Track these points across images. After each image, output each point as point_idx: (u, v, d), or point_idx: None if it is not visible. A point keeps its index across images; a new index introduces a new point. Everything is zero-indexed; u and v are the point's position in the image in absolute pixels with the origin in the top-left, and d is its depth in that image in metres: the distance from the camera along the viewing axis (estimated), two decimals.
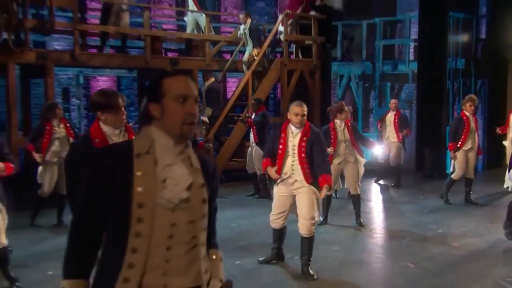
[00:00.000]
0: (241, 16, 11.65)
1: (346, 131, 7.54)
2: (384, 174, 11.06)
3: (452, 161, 9.02)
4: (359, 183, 7.81)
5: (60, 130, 7.51)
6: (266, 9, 15.75)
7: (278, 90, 13.36)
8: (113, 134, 3.69)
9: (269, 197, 8.54)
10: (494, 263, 6.11)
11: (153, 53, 10.75)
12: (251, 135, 9.56)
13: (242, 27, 11.58)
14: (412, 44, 13.98)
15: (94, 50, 10.82)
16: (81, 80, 13.06)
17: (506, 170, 10.68)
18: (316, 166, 5.39)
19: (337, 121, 7.55)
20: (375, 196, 10.19)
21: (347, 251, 6.57)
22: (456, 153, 8.78)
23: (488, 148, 13.62)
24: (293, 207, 5.60)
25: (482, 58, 14.30)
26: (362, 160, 7.71)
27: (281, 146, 5.46)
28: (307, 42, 12.36)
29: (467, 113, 8.82)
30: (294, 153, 5.42)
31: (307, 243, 5.50)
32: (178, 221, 2.06)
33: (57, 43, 11.97)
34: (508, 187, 7.14)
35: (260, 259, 5.91)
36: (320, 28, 12.28)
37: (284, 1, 14.87)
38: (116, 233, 2.03)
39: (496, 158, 12.88)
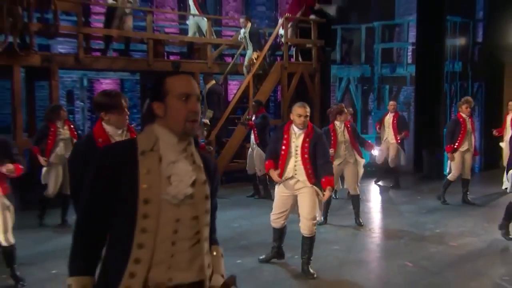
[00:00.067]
0: (241, 20, 11.68)
1: (346, 132, 7.54)
2: (383, 175, 11.05)
3: (449, 162, 9.02)
4: (359, 184, 7.81)
5: (64, 131, 7.52)
6: (267, 13, 15.76)
7: (279, 93, 13.36)
8: (116, 134, 3.69)
9: (270, 197, 8.55)
10: (492, 262, 6.10)
11: (155, 56, 10.76)
12: (252, 136, 9.55)
13: (242, 31, 11.60)
14: (410, 48, 13.98)
15: (98, 53, 10.83)
16: (85, 82, 13.07)
17: (503, 171, 10.74)
18: (319, 167, 5.38)
19: (337, 123, 7.55)
20: (374, 197, 10.19)
21: (346, 250, 6.57)
22: (453, 154, 8.78)
23: (485, 150, 13.62)
24: (293, 207, 5.59)
25: (479, 61, 14.29)
26: (362, 161, 7.71)
27: (283, 147, 5.44)
28: (307, 45, 12.37)
29: (463, 115, 8.82)
30: (297, 154, 5.40)
31: (308, 242, 5.49)
32: (182, 216, 2.08)
33: (62, 47, 11.99)
34: (506, 188, 7.12)
35: (261, 257, 5.91)
36: (320, 32, 12.30)
37: (284, 5, 14.88)
38: (121, 229, 2.04)
39: (493, 160, 12.88)
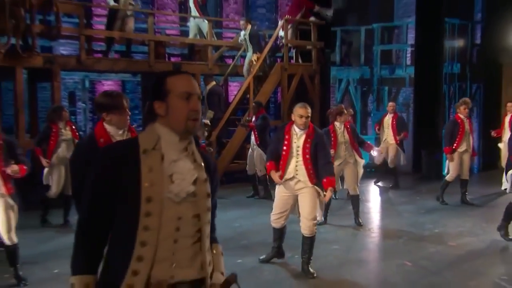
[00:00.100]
0: (242, 22, 11.69)
1: (345, 133, 7.54)
2: (383, 176, 11.04)
3: (447, 163, 9.01)
4: (358, 184, 7.80)
5: (66, 132, 7.52)
6: (267, 15, 15.76)
7: (279, 94, 13.36)
8: (117, 134, 3.69)
9: (270, 197, 8.55)
10: (490, 262, 6.10)
11: (156, 58, 10.76)
12: (252, 137, 9.56)
13: (242, 33, 11.62)
14: (409, 49, 13.97)
15: (100, 55, 10.84)
16: (87, 84, 13.08)
17: (501, 172, 10.73)
18: (320, 167, 5.38)
19: (337, 124, 7.55)
20: (373, 197, 10.19)
21: (346, 250, 6.57)
22: (452, 155, 8.77)
23: (484, 151, 13.62)
24: (294, 207, 5.59)
25: (477, 63, 14.29)
26: (361, 161, 7.71)
27: (285, 148, 5.43)
28: (307, 47, 12.37)
29: (461, 116, 8.81)
30: (298, 154, 5.39)
31: (309, 242, 5.49)
32: (184, 214, 2.08)
33: (64, 48, 11.99)
34: (506, 189, 7.11)
35: (261, 257, 5.90)
36: (320, 34, 12.31)
37: (284, 7, 14.89)
38: (124, 228, 2.04)
39: (491, 160, 12.87)
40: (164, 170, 2.06)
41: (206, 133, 9.11)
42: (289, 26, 11.90)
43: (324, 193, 5.39)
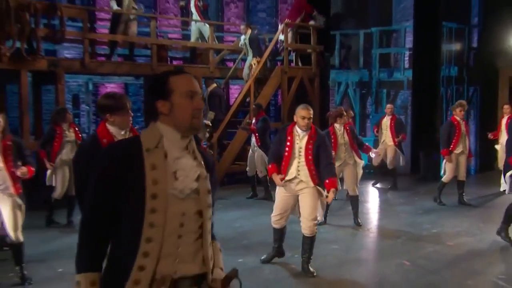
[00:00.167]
0: (242, 27, 11.73)
1: (345, 134, 7.54)
2: (381, 178, 11.02)
3: (444, 164, 8.99)
4: (358, 185, 7.80)
5: (70, 134, 7.53)
6: (267, 19, 15.75)
7: (279, 96, 13.36)
8: (119, 135, 3.69)
9: (270, 198, 8.55)
10: (487, 261, 6.09)
11: (159, 61, 10.76)
12: (253, 139, 9.56)
13: (242, 37, 11.65)
14: (407, 53, 13.96)
15: (103, 58, 10.85)
16: (90, 87, 13.06)
17: (498, 173, 10.72)
18: (322, 168, 5.37)
19: (337, 125, 7.55)
20: (372, 198, 10.18)
21: (345, 249, 6.57)
22: (450, 156, 8.76)
23: (481, 152, 13.62)
24: (294, 207, 5.57)
25: (474, 66, 14.29)
26: (361, 162, 7.71)
27: (287, 149, 5.41)
28: (307, 50, 12.38)
29: (457, 118, 8.81)
30: (300, 155, 5.38)
31: (309, 242, 5.48)
32: (187, 210, 2.10)
33: (68, 52, 11.99)
34: (504, 190, 7.08)
35: (262, 257, 5.88)
36: (319, 37, 12.32)
37: (284, 12, 14.89)
38: (129, 224, 2.04)
39: (488, 162, 12.87)
40: (168, 167, 2.07)
41: (207, 135, 9.11)
42: (289, 30, 11.91)
43: (327, 194, 5.38)
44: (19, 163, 5.09)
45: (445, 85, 13.63)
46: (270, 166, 5.59)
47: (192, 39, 12.01)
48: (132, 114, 3.82)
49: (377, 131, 10.97)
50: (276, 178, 5.44)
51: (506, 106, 10.40)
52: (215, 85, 11.41)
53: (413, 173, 12.52)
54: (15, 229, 5.05)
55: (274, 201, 5.74)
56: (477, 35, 14.27)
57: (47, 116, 9.62)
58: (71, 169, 6.87)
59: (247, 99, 11.54)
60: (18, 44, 8.66)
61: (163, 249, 2.02)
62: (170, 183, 2.05)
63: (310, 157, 5.34)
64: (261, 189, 9.62)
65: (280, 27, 12.22)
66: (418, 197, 9.97)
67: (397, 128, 10.51)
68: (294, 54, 12.46)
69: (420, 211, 8.71)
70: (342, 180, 7.76)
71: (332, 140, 7.35)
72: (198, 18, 11.72)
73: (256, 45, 11.54)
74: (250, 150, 9.71)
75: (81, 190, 3.46)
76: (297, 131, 5.41)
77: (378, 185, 11.02)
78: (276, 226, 5.68)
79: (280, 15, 15.38)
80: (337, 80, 14.79)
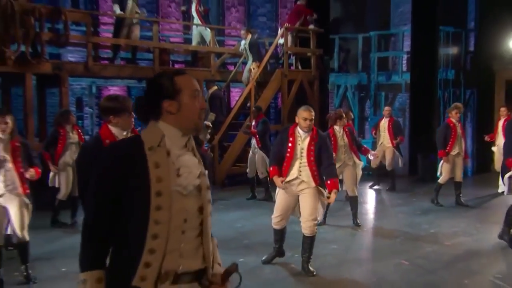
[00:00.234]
0: (242, 32, 11.76)
1: (345, 136, 7.54)
2: (379, 179, 11.00)
3: (440, 166, 8.98)
4: (357, 186, 7.79)
5: (73, 136, 7.53)
6: (268, 24, 15.77)
7: (279, 99, 13.37)
8: (122, 136, 3.69)
9: (270, 199, 8.55)
10: (484, 261, 6.08)
11: (161, 65, 10.78)
12: (253, 141, 9.57)
13: (243, 42, 11.67)
14: (405, 56, 13.98)
15: (106, 62, 10.85)
16: (94, 90, 13.08)
17: (494, 174, 10.73)
18: (323, 169, 5.38)
19: (336, 127, 7.55)
20: (371, 199, 10.17)
21: (345, 249, 6.56)
22: (447, 157, 8.76)
23: (477, 154, 13.61)
24: (294, 208, 5.56)
25: (471, 69, 14.29)
26: (360, 163, 7.71)
27: (289, 150, 5.40)
28: (307, 54, 12.40)
29: (453, 120, 8.81)
30: (302, 156, 5.37)
31: (309, 241, 5.47)
32: (190, 206, 2.11)
33: (72, 55, 12.00)
34: (503, 192, 7.07)
35: (263, 258, 5.85)
36: (319, 41, 12.34)
37: (284, 16, 14.90)
38: (134, 222, 2.04)
39: (485, 164, 12.86)
40: (171, 164, 2.08)
41: (208, 136, 9.10)
42: (288, 34, 11.92)
43: (328, 195, 5.38)
44: (26, 165, 5.13)
45: (442, 88, 13.64)
46: (271, 168, 5.56)
47: (194, 43, 12.03)
48: (134, 115, 3.82)
49: (375, 133, 10.97)
50: (277, 180, 5.43)
51: (502, 109, 10.40)
52: (216, 87, 11.47)
53: (411, 175, 12.51)
54: (22, 228, 5.07)
55: (274, 202, 5.73)
56: (473, 39, 14.28)
57: (51, 118, 9.62)
58: (75, 170, 6.88)
59: (248, 104, 11.55)
60: (23, 48, 8.67)
61: (168, 245, 2.03)
62: (173, 180, 2.06)
63: (312, 158, 5.34)
64: (261, 190, 9.62)
65: (280, 31, 12.24)
66: (416, 198, 9.96)
67: (395, 130, 10.50)
68: (294, 58, 12.47)
69: (418, 212, 8.70)
70: (341, 181, 7.75)
71: (332, 142, 7.35)
72: (199, 22, 11.75)
73: (256, 50, 11.56)
74: (250, 151, 9.72)
75: (84, 191, 3.45)
76: (299, 133, 5.41)
77: (375, 187, 10.97)
78: (277, 227, 5.67)
79: (280, 19, 15.39)
80: (336, 83, 14.80)
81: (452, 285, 5.32)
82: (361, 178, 8.10)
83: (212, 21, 13.29)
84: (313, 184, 5.34)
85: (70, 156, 7.38)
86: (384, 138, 10.59)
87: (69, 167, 7.40)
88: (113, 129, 3.71)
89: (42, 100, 10.16)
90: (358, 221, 7.68)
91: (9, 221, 5.13)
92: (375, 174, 11.02)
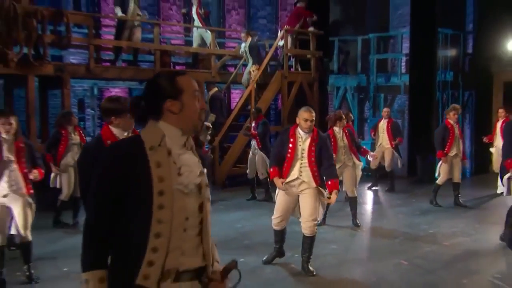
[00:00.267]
0: (242, 35, 11.78)
1: (344, 137, 7.54)
2: (379, 180, 10.99)
3: (438, 167, 8.97)
4: (357, 186, 7.79)
5: (75, 137, 7.53)
6: (268, 26, 15.80)
7: (279, 101, 13.38)
8: (123, 136, 3.70)
9: (270, 200, 8.55)
10: (483, 261, 6.08)
11: (162, 66, 10.77)
12: (253, 142, 9.57)
13: (243, 45, 11.68)
14: (404, 58, 13.99)
15: (108, 64, 10.86)
16: (95, 91, 13.09)
17: (493, 175, 10.72)
18: (324, 170, 5.38)
19: (336, 129, 7.54)
20: (370, 199, 10.16)
21: (344, 249, 6.56)
22: (446, 158, 8.76)
23: (476, 155, 13.61)
24: (294, 209, 5.56)
25: (469, 71, 14.30)
26: (360, 164, 7.71)
27: (290, 150, 5.38)
28: (307, 56, 12.41)
29: (451, 122, 8.81)
30: (303, 157, 5.36)
31: (309, 242, 5.46)
32: (191, 204, 2.11)
33: (73, 57, 12.01)
34: (502, 192, 7.06)
35: (264, 258, 5.83)
36: (318, 43, 12.34)
37: (284, 18, 14.92)
38: (137, 221, 2.03)
39: (483, 165, 12.86)
40: (173, 164, 2.08)
41: (209, 137, 9.11)
42: (288, 36, 11.93)
43: (328, 195, 5.38)
44: (30, 165, 5.15)
45: (441, 90, 13.64)
46: (271, 169, 5.54)
47: (194, 45, 12.05)
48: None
49: (374, 135, 10.97)
50: (278, 181, 5.41)
51: (501, 110, 10.40)
52: (216, 89, 11.49)
53: (410, 176, 12.51)
54: (25, 228, 5.08)
55: (274, 203, 5.71)
56: (472, 41, 14.30)
57: (53, 120, 9.61)
58: (76, 171, 6.88)
59: (248, 106, 11.56)
60: (25, 50, 8.67)
61: (170, 244, 2.03)
62: (174, 179, 2.06)
63: (312, 158, 5.33)
64: (261, 191, 9.61)
65: (280, 33, 12.25)
66: (415, 199, 9.95)
67: (394, 131, 10.50)
68: (294, 60, 12.48)
69: (417, 212, 8.70)
70: (341, 182, 7.74)
71: (332, 143, 7.34)
72: (200, 25, 11.76)
73: (256, 53, 11.57)
74: (250, 152, 9.72)
75: (86, 192, 3.45)
76: (299, 133, 5.40)
77: (373, 188, 10.93)
78: (277, 228, 5.65)
79: (280, 21, 15.41)
80: (335, 85, 14.81)
81: (451, 285, 5.31)
82: (361, 179, 8.09)
83: (212, 23, 13.30)
84: (313, 184, 5.33)
85: (71, 157, 7.37)
86: (383, 139, 10.59)
87: (71, 168, 7.39)
88: (114, 130, 3.72)
89: (44, 101, 10.17)
90: (358, 222, 7.68)
91: (11, 221, 5.13)
92: (374, 175, 11.01)
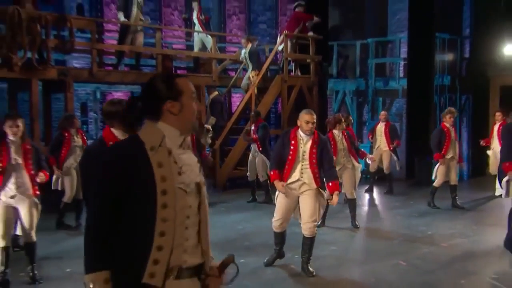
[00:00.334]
0: (243, 41, 11.80)
1: (344, 140, 7.54)
2: (376, 183, 10.97)
3: (435, 169, 8.96)
4: (356, 188, 7.79)
5: (78, 139, 7.54)
6: (268, 31, 15.82)
7: (279, 104, 13.39)
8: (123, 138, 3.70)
9: (270, 202, 8.54)
10: (480, 262, 6.06)
11: (164, 70, 10.77)
12: (254, 144, 9.57)
13: (243, 51, 11.70)
14: (402, 62, 13.99)
15: (110, 68, 10.87)
16: (98, 95, 13.10)
17: (490, 178, 10.73)
18: (324, 171, 5.38)
19: (335, 132, 7.54)
20: (369, 201, 10.16)
21: (344, 250, 6.56)
22: (443, 160, 8.76)
23: (473, 158, 13.60)
24: (294, 211, 5.54)
25: (466, 75, 14.31)
26: (359, 166, 7.71)
27: (291, 153, 5.37)
28: (307, 60, 12.43)
29: (447, 125, 8.81)
30: (304, 159, 5.35)
31: (309, 242, 5.46)
32: (192, 203, 2.13)
33: (77, 61, 12.03)
34: (500, 195, 7.05)
35: (265, 260, 5.79)
36: (318, 48, 12.37)
37: (284, 23, 14.93)
38: (140, 221, 2.04)
39: (480, 167, 12.86)
40: (173, 164, 2.09)
41: (209, 140, 9.13)
42: (288, 40, 11.95)
43: (330, 196, 5.39)
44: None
45: (438, 94, 13.65)
46: (272, 172, 5.51)
47: (195, 49, 12.07)
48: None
49: (372, 137, 10.96)
50: (278, 184, 5.39)
51: (498, 113, 10.39)
52: (216, 93, 11.53)
53: (408, 178, 12.49)
54: (31, 228, 5.10)
55: (274, 205, 5.69)
56: (468, 45, 14.31)
57: (56, 123, 9.59)
58: (79, 173, 6.88)
59: (247, 111, 11.57)
60: (29, 54, 8.69)
61: (174, 242, 2.04)
62: (176, 178, 2.08)
63: (314, 160, 5.32)
64: (261, 193, 9.61)
65: (279, 39, 12.27)
66: (413, 201, 9.93)
67: (391, 134, 10.49)
68: (293, 64, 12.49)
69: (415, 214, 8.69)
70: (340, 184, 7.73)
71: (332, 146, 7.34)
72: (201, 30, 11.79)
73: (256, 59, 11.59)
74: (251, 155, 9.71)
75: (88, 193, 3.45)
76: (300, 136, 5.39)
77: (370, 191, 10.87)
78: (277, 230, 5.62)
79: (280, 26, 15.43)
80: (335, 88, 14.81)
81: (449, 285, 5.30)
82: (360, 181, 8.09)
83: (213, 28, 13.33)
84: (314, 186, 5.32)
85: (74, 159, 7.37)
86: (381, 142, 10.58)
87: (74, 170, 7.39)
88: (116, 132, 3.72)
89: (47, 105, 10.17)
90: (357, 223, 7.67)
91: (16, 222, 5.14)
92: (372, 178, 11.00)
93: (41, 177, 5.18)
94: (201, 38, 11.93)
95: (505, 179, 6.19)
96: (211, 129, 8.93)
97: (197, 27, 11.87)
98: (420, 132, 12.34)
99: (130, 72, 10.89)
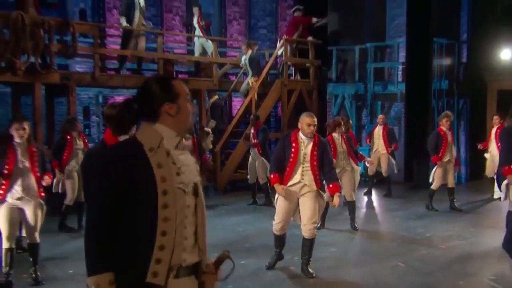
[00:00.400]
0: (243, 47, 11.81)
1: (343, 143, 7.55)
2: (375, 186, 10.96)
3: (432, 172, 8.96)
4: (355, 191, 7.78)
5: (79, 142, 7.55)
6: (268, 35, 15.85)
7: (279, 108, 13.40)
8: None
9: (270, 204, 8.53)
10: (478, 263, 6.07)
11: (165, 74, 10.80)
12: (254, 148, 9.56)
13: (243, 57, 11.72)
14: (400, 67, 13.99)
15: (112, 72, 10.88)
16: (100, 99, 13.11)
17: (487, 181, 10.72)
18: (325, 174, 5.39)
19: (335, 135, 7.54)
20: (368, 204, 10.15)
21: (343, 252, 6.55)
22: (441, 162, 8.76)
23: (470, 161, 13.60)
24: (294, 213, 5.54)
25: (464, 80, 14.31)
26: (358, 169, 7.71)
27: (292, 155, 5.36)
28: (306, 64, 12.46)
29: (444, 128, 8.82)
30: (305, 161, 5.35)
31: (309, 244, 5.45)
32: (190, 202, 2.15)
33: (79, 66, 12.05)
34: (499, 198, 7.04)
35: (267, 264, 5.74)
36: (317, 52, 12.41)
37: (284, 28, 14.96)
38: (142, 221, 2.04)
39: (478, 170, 12.83)
40: (172, 164, 2.10)
41: (210, 145, 9.12)
42: (288, 45, 11.97)
43: (330, 198, 5.39)
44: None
45: (436, 98, 13.65)
46: (272, 175, 5.50)
47: (196, 54, 12.10)
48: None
49: (370, 141, 10.96)
50: (279, 188, 5.37)
51: (495, 117, 10.39)
52: (217, 97, 11.59)
53: (406, 181, 12.49)
54: (35, 229, 5.11)
55: (274, 207, 5.68)
56: (466, 50, 14.31)
57: (59, 127, 9.61)
58: (81, 176, 6.88)
59: (247, 115, 11.58)
60: (32, 59, 8.71)
61: (175, 241, 2.05)
62: (175, 178, 2.09)
63: (315, 162, 5.33)
64: (261, 196, 9.60)
65: (279, 43, 12.29)
66: (412, 204, 9.93)
67: (389, 137, 10.50)
68: (293, 68, 12.51)
69: (414, 216, 8.68)
70: (340, 186, 7.72)
71: (332, 149, 7.34)
72: (201, 34, 11.82)
73: (256, 65, 11.61)
74: (251, 158, 9.71)
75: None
76: (301, 138, 5.39)
77: (369, 194, 10.86)
78: (278, 233, 5.60)
79: (280, 31, 15.46)
80: (334, 93, 14.81)
81: (447, 287, 5.30)
82: (359, 183, 8.09)
83: (214, 33, 13.35)
84: (314, 187, 5.33)
85: (76, 162, 7.37)
86: (379, 145, 10.58)
87: (75, 173, 7.40)
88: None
89: (50, 109, 10.19)
90: (356, 225, 7.67)
91: (21, 224, 5.15)
92: (371, 180, 10.99)
93: (47, 180, 5.23)
94: (201, 43, 11.97)
95: (504, 183, 6.17)
96: (211, 132, 8.94)
97: (198, 32, 11.92)
98: (419, 135, 12.34)
99: (132, 77, 10.91)
